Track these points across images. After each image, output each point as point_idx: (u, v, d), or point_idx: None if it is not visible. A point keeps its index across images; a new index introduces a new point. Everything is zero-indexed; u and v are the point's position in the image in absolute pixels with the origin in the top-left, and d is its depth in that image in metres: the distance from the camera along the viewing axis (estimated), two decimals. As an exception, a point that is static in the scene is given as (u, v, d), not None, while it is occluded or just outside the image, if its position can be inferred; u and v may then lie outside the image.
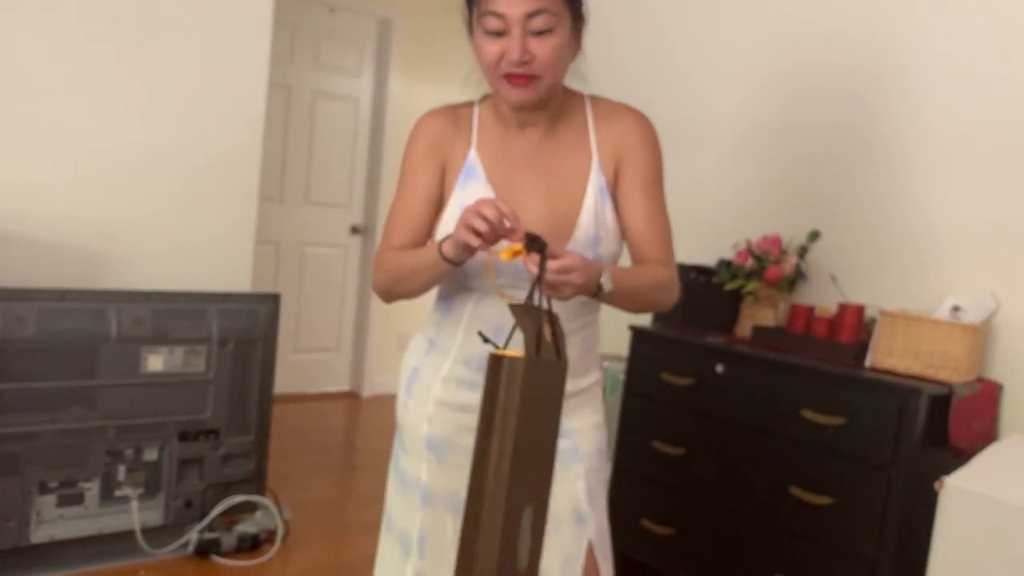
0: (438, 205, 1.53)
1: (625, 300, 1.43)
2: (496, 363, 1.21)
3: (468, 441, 1.48)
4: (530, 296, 1.25)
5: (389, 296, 1.52)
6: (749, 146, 3.16)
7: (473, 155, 1.50)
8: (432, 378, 1.58)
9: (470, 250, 1.32)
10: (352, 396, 5.37)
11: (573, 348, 1.51)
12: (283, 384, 5.02)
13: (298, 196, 5.08)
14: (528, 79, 1.39)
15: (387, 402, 5.26)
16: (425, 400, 1.58)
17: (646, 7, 3.56)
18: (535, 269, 1.24)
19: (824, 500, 2.36)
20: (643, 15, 3.56)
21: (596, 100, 1.56)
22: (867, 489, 2.29)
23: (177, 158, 3.09)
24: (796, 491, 2.41)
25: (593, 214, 1.48)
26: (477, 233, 1.26)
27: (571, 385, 1.48)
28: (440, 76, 5.30)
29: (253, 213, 3.29)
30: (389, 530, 1.67)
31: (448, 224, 1.48)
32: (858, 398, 2.33)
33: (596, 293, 1.34)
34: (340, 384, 5.43)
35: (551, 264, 1.24)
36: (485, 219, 1.25)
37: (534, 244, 1.25)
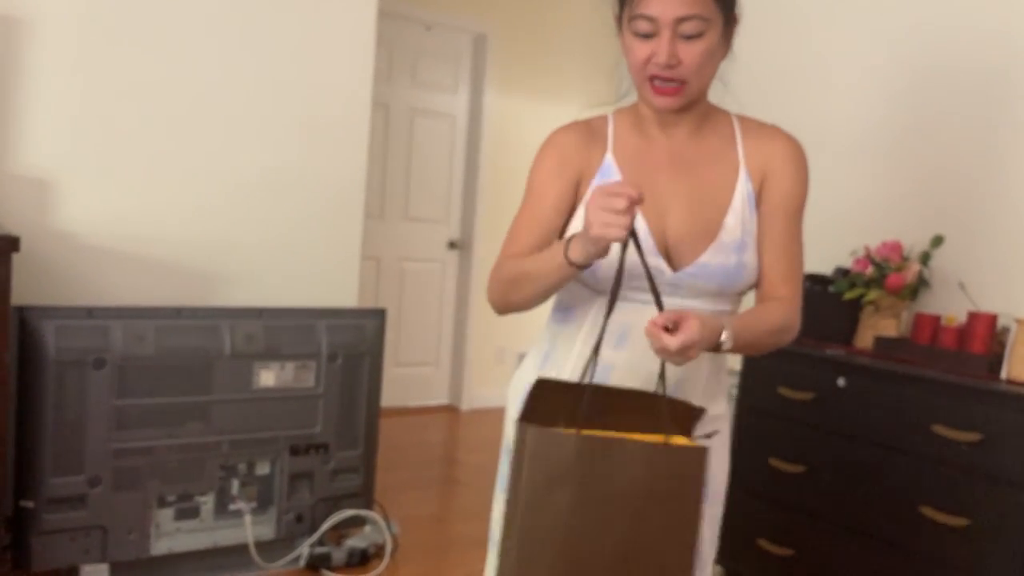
0: (567, 215, 1.46)
1: (743, 349, 1.38)
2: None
3: None
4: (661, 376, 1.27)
5: (505, 305, 1.44)
6: (867, 148, 3.03)
7: (609, 157, 1.45)
8: None
9: (603, 250, 1.24)
10: (451, 410, 5.38)
11: (700, 366, 1.44)
12: (384, 398, 5.07)
13: (397, 212, 5.14)
14: (674, 89, 1.35)
15: (486, 416, 5.25)
16: None
17: (764, 7, 3.46)
18: (661, 345, 1.20)
19: (960, 521, 2.22)
20: (761, 15, 3.47)
21: (744, 118, 1.50)
22: (1009, 510, 2.14)
23: (286, 178, 3.14)
24: (928, 511, 2.28)
25: (740, 218, 1.41)
26: (617, 214, 1.17)
27: None
28: (535, 90, 5.30)
29: (359, 230, 3.32)
30: None
31: (579, 223, 1.41)
32: (996, 412, 2.19)
33: (716, 348, 1.30)
34: (439, 398, 5.44)
35: (671, 343, 1.18)
36: (618, 195, 1.17)
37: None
